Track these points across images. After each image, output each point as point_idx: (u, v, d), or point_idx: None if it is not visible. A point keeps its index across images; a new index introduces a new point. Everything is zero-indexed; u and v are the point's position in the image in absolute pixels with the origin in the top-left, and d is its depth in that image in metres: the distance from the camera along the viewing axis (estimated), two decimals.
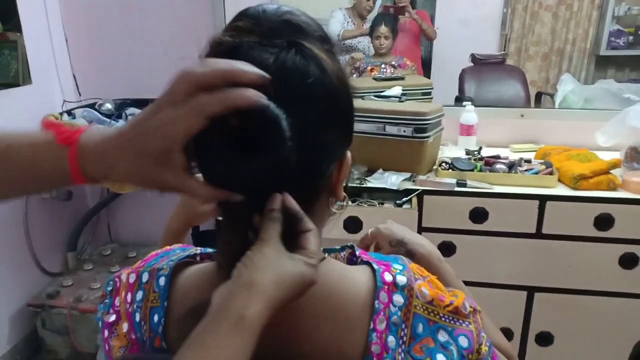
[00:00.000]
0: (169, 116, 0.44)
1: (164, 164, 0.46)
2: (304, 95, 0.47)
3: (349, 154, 0.55)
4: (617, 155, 1.94)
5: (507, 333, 1.95)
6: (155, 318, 0.56)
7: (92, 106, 2.44)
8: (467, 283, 0.75)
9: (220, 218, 0.54)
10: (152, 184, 0.48)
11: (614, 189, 1.82)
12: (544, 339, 1.97)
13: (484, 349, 0.54)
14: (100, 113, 2.38)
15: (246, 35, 0.49)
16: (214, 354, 0.41)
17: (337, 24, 2.69)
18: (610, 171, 1.84)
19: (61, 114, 2.32)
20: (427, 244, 0.77)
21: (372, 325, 0.51)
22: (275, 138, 0.44)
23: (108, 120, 2.32)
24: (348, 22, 2.73)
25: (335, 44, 0.55)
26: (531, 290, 1.92)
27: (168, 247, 0.66)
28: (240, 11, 0.52)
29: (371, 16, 2.73)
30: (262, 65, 0.46)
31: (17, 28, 2.23)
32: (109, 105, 2.44)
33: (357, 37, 2.73)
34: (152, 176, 0.47)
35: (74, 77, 2.62)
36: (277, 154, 0.44)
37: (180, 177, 0.47)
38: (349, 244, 0.64)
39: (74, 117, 2.33)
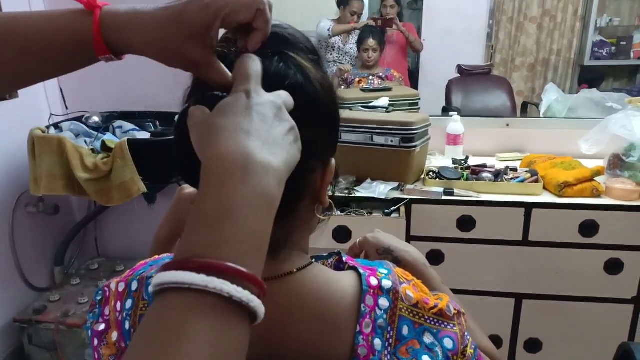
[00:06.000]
0: None
1: (199, 38, 0.48)
2: None
3: (333, 161, 0.57)
4: (600, 163, 1.98)
5: (496, 340, 1.97)
6: None
7: (79, 119, 2.43)
8: (455, 291, 0.76)
9: None
10: (177, 57, 0.49)
11: (598, 196, 1.85)
12: (533, 345, 1.98)
13: (470, 351, 0.55)
14: (88, 126, 2.37)
15: (234, 46, 0.52)
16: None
17: (326, 25, 2.72)
18: (594, 178, 1.87)
19: (48, 127, 2.31)
20: (413, 251, 0.79)
21: (358, 328, 0.52)
22: None
23: (95, 133, 2.32)
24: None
25: (321, 55, 0.57)
26: (519, 297, 1.94)
27: (157, 256, 0.66)
28: None
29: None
30: None
31: None
32: (96, 119, 2.43)
33: (344, 43, 2.76)
34: (182, 49, 0.48)
35: (61, 90, 2.61)
36: None
37: (209, 56, 0.49)
38: (336, 251, 0.65)
39: (61, 131, 2.32)
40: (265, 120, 0.43)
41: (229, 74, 0.49)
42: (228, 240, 0.37)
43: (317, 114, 0.52)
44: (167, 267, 0.36)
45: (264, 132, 0.42)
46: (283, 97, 0.46)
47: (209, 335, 0.34)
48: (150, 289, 0.37)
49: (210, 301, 0.35)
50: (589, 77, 2.85)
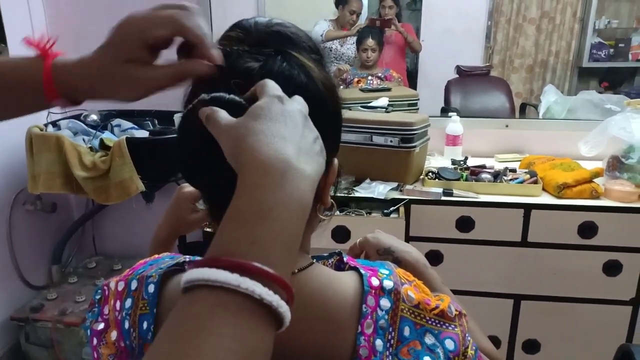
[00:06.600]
0: (137, 14, 0.50)
1: (133, 58, 0.50)
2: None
3: (336, 161, 0.57)
4: (599, 164, 1.98)
5: (495, 341, 1.96)
6: (145, 325, 0.56)
7: (77, 117, 2.42)
8: (454, 291, 0.76)
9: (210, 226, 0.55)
10: (125, 82, 0.51)
11: (596, 198, 1.85)
12: (531, 346, 1.98)
13: (470, 352, 0.55)
14: (86, 124, 2.36)
15: (236, 44, 0.53)
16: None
17: (321, 29, 2.71)
18: (593, 180, 1.87)
19: (46, 125, 2.30)
20: (413, 252, 0.78)
21: (359, 329, 0.52)
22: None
23: (94, 131, 2.31)
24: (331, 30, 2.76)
25: (324, 54, 0.57)
26: (518, 298, 1.94)
27: (157, 256, 0.66)
28: (235, 22, 0.56)
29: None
30: (249, 71, 0.50)
31: (1, 39, 2.22)
32: (94, 117, 2.42)
33: (342, 44, 2.76)
34: (124, 73, 0.50)
35: None
36: None
37: (149, 68, 0.51)
38: (336, 251, 0.65)
39: (59, 129, 2.31)
40: (297, 127, 0.44)
41: (170, 69, 0.51)
42: (262, 242, 0.37)
43: (320, 114, 0.51)
44: (198, 264, 0.36)
45: (298, 139, 0.43)
46: (304, 105, 0.47)
47: (236, 332, 0.34)
48: (181, 284, 0.37)
49: (240, 300, 0.35)
50: (611, 78, 2.86)
